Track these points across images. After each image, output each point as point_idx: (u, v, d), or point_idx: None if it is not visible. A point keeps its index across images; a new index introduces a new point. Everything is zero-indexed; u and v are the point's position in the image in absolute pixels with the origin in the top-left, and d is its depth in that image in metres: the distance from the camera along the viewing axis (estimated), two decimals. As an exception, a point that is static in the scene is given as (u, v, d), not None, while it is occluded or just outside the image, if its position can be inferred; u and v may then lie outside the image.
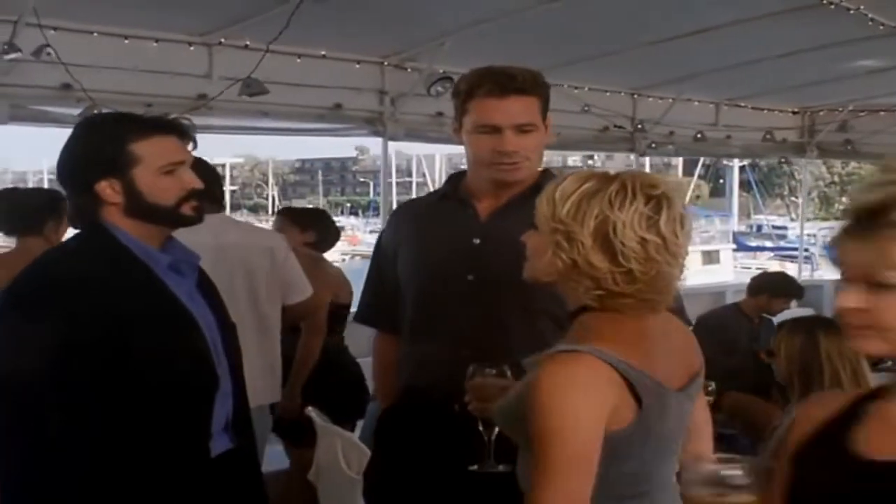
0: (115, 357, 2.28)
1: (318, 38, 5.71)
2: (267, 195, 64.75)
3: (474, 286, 2.75)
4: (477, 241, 2.78)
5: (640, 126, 7.74)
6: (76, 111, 4.96)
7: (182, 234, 3.88)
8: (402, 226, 3.01)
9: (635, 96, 7.76)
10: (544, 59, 6.61)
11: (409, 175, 60.62)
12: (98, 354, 2.26)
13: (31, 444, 2.26)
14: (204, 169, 4.16)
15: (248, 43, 5.59)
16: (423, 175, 60.29)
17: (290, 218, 5.17)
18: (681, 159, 38.50)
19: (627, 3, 5.50)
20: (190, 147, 2.56)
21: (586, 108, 7.14)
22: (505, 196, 2.78)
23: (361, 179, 69.51)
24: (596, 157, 33.14)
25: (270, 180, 67.20)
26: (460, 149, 2.92)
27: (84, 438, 2.28)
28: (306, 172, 73.68)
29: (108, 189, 2.41)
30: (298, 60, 5.85)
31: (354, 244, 34.89)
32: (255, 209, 60.84)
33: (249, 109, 5.84)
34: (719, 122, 8.39)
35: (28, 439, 2.27)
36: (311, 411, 4.04)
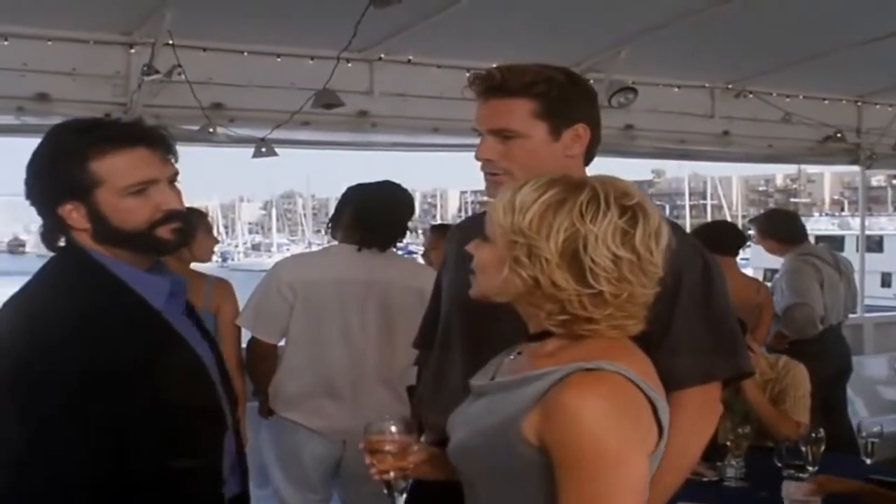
0: (113, 402, 1.98)
1: (488, 50, 5.29)
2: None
3: (495, 321, 2.29)
4: None
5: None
6: (227, 131, 4.88)
7: (333, 266, 3.81)
8: (448, 247, 2.66)
9: (859, 104, 6.90)
10: (742, 67, 6.01)
11: (704, 198, 59.85)
12: (94, 398, 1.97)
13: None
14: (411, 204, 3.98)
15: (410, 58, 5.27)
16: (719, 198, 59.27)
17: (444, 235, 4.83)
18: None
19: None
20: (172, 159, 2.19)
21: (786, 118, 6.39)
22: None
23: (658, 203, 69.54)
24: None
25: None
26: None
27: (84, 487, 1.99)
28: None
29: (73, 213, 2.10)
30: (468, 74, 5.44)
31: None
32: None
33: (416, 126, 5.53)
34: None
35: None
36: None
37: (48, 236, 2.19)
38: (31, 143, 2.17)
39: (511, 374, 1.82)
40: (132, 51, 4.64)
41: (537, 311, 1.72)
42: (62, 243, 2.18)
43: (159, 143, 2.16)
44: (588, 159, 2.46)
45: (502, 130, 2.32)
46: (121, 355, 2.00)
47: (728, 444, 3.44)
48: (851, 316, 6.52)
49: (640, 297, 1.70)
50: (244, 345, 3.99)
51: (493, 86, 2.33)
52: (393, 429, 2.03)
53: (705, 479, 3.40)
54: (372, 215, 3.85)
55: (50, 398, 1.95)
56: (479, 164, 2.40)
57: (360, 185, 3.98)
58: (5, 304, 2.13)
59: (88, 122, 2.21)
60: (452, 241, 2.67)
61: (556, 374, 1.65)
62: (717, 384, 2.29)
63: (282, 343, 3.93)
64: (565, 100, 2.34)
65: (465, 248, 1.85)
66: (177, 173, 2.18)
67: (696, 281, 2.26)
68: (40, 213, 2.16)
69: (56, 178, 2.10)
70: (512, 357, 1.89)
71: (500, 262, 1.72)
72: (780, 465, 3.47)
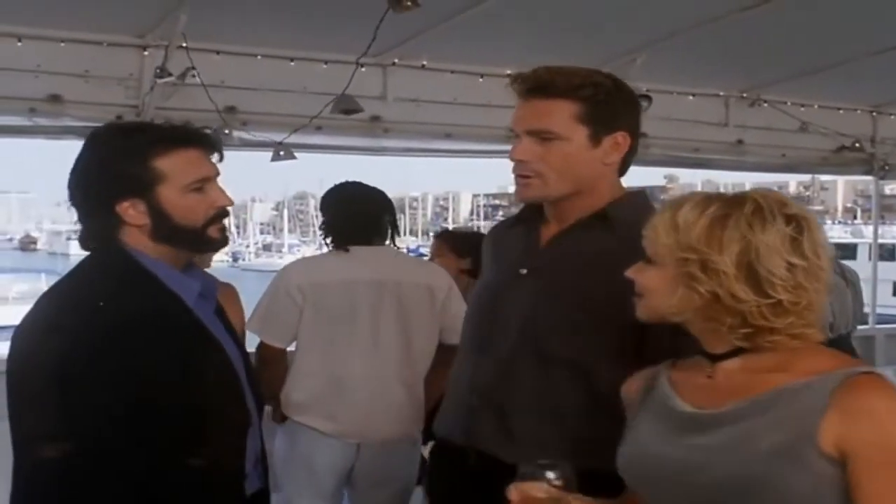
0: (146, 397, 2.03)
1: (502, 56, 5.29)
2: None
3: (503, 324, 2.35)
4: (524, 271, 2.35)
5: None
6: (241, 135, 4.87)
7: (342, 267, 3.79)
8: (484, 252, 2.66)
9: (874, 114, 6.86)
10: (757, 76, 5.98)
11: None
12: (128, 393, 2.03)
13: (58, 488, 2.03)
14: (380, 198, 3.96)
15: (424, 63, 5.25)
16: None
17: (449, 243, 4.80)
18: None
19: (854, 3, 4.74)
20: (216, 159, 2.27)
21: (802, 127, 6.35)
22: (569, 220, 2.33)
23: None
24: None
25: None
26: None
27: (118, 479, 2.04)
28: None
29: (130, 210, 2.16)
30: (481, 80, 5.44)
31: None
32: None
33: (429, 131, 5.52)
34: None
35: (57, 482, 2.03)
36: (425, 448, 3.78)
37: (92, 235, 2.21)
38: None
39: (717, 396, 1.76)
40: (145, 53, 4.64)
41: (718, 326, 1.73)
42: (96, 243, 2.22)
43: (207, 143, 2.25)
44: (623, 169, 2.41)
45: (541, 132, 2.28)
46: (159, 354, 2.06)
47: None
48: (862, 327, 6.48)
49: (817, 304, 1.72)
50: (252, 349, 3.97)
51: (537, 86, 2.28)
52: (551, 475, 1.78)
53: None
54: (341, 215, 3.90)
55: (93, 394, 2.00)
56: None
57: (325, 194, 4.02)
58: (42, 297, 2.17)
59: (139, 124, 2.26)
60: (488, 244, 2.66)
61: (829, 382, 1.65)
62: None
63: (291, 348, 3.91)
64: (610, 106, 2.30)
65: (625, 273, 1.83)
66: (219, 173, 2.26)
67: None
68: (93, 211, 2.20)
69: (117, 175, 2.15)
70: (702, 381, 1.81)
71: (673, 281, 1.74)
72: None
